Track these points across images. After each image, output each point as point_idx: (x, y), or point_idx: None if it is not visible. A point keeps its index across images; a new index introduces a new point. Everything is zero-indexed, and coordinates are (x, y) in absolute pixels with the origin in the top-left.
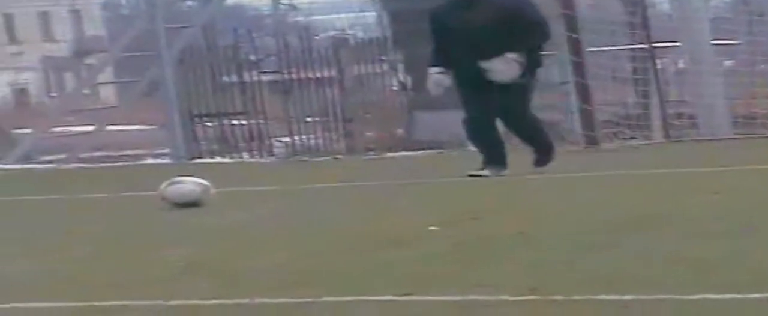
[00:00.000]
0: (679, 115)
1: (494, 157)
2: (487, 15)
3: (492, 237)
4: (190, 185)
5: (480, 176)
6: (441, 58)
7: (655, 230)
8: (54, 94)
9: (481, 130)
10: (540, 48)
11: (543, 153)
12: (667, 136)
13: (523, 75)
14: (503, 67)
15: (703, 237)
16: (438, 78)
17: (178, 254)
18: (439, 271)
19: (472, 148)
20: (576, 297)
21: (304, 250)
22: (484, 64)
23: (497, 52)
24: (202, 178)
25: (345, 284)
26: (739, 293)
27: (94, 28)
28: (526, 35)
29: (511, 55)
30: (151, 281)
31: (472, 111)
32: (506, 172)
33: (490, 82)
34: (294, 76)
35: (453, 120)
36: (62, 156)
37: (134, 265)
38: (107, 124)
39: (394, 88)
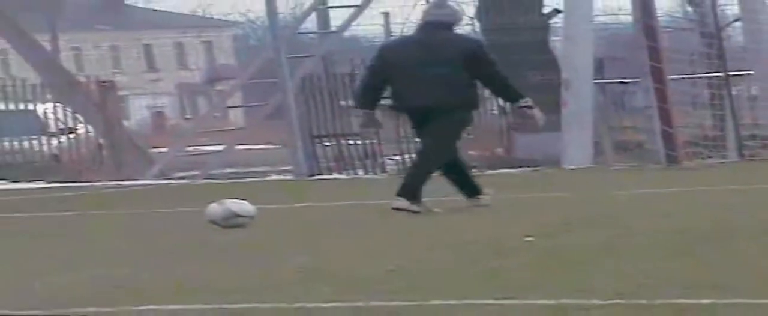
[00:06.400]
0: (753, 137)
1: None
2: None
3: (582, 247)
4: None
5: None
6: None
7: (730, 241)
8: (188, 117)
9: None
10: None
11: (403, 190)
12: (741, 155)
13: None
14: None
15: None
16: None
17: (300, 261)
18: (536, 277)
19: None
20: (658, 301)
21: (414, 257)
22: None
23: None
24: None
25: (451, 289)
26: None
27: (225, 57)
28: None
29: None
30: (275, 286)
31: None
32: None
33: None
34: None
35: (549, 141)
36: (195, 173)
37: (260, 271)
38: (236, 144)
39: (494, 111)
